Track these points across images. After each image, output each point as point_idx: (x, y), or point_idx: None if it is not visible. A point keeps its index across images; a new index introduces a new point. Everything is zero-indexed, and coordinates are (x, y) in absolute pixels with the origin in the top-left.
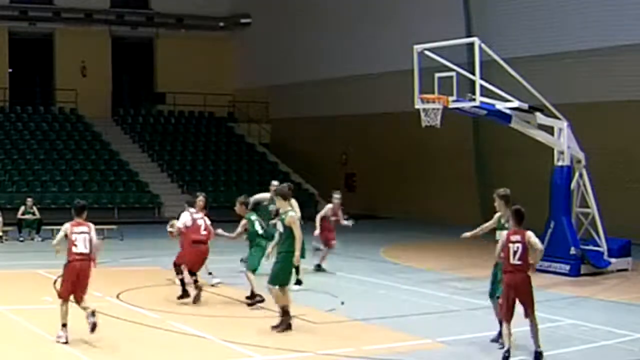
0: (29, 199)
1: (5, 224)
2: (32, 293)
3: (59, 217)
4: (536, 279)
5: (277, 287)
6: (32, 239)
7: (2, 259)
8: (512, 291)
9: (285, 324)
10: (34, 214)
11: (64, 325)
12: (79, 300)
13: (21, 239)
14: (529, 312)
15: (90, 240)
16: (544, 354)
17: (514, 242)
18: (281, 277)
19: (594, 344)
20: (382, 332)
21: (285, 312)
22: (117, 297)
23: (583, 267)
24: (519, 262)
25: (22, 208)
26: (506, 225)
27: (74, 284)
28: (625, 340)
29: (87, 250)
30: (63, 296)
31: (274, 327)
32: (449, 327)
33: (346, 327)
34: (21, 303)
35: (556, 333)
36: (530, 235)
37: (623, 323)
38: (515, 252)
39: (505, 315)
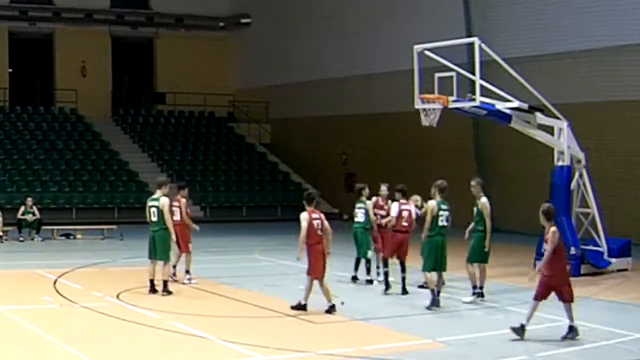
0: (29, 199)
1: (5, 224)
2: (32, 293)
3: (59, 217)
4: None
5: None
6: (32, 239)
7: (2, 259)
8: (320, 255)
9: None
10: (34, 214)
11: None
12: None
13: (21, 239)
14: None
15: None
16: (544, 354)
17: (315, 219)
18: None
19: (594, 344)
20: (382, 332)
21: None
22: (117, 297)
23: (583, 267)
24: (321, 234)
25: (22, 208)
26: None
27: None
28: (625, 340)
29: None
30: None
31: None
32: (449, 327)
33: (346, 327)
34: (21, 303)
35: (556, 333)
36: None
37: (623, 323)
38: (318, 226)
39: (319, 274)
